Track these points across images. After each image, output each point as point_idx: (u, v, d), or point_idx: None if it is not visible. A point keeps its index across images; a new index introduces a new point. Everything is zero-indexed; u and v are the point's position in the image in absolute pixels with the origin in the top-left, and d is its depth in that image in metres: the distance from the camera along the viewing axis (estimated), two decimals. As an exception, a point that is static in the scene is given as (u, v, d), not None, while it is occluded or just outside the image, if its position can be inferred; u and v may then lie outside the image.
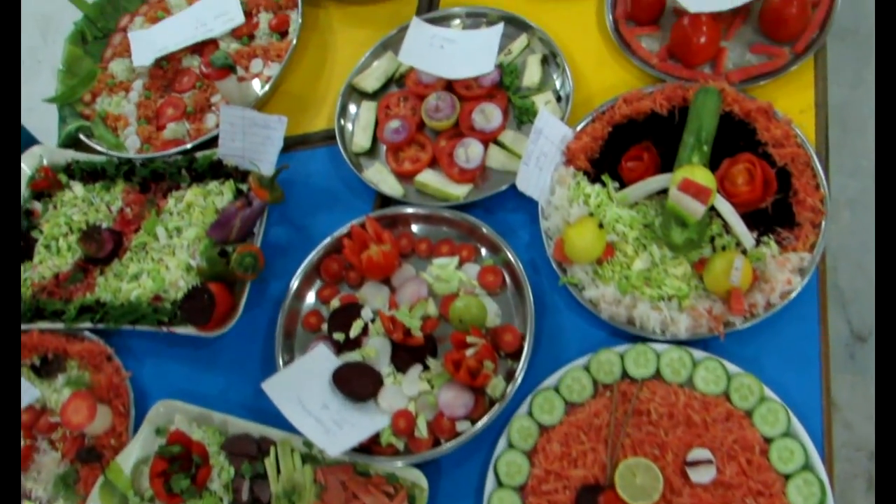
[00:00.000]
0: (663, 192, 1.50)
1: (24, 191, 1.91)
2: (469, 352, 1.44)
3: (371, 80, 1.83)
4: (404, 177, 1.71)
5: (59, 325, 1.70)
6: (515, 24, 1.82)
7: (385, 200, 1.71)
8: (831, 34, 1.62)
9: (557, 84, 1.74)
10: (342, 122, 1.81)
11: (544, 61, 1.78)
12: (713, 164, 1.50)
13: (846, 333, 2.39)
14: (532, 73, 1.75)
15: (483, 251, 1.61)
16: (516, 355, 1.47)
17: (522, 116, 1.71)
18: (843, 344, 2.37)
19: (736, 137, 1.54)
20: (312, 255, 1.65)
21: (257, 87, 1.89)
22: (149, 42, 2.03)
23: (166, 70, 2.01)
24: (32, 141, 2.28)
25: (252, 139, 1.76)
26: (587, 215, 1.51)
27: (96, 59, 2.11)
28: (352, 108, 1.85)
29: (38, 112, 2.22)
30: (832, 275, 2.32)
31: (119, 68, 2.05)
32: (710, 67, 1.67)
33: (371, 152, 1.78)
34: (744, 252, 1.43)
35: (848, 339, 2.40)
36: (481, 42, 1.77)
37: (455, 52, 1.77)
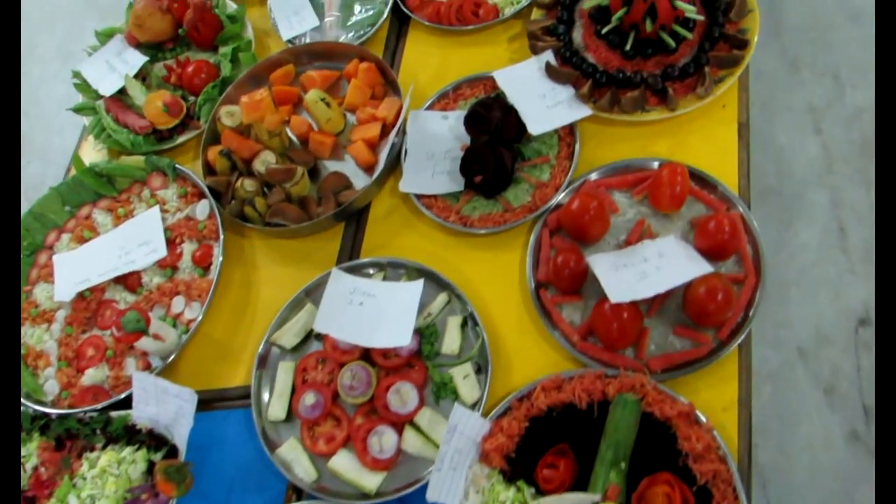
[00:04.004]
0: None
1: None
2: None
3: (290, 336, 1.57)
4: (319, 455, 1.44)
5: None
6: (435, 280, 1.54)
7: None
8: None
9: (477, 351, 1.46)
10: (258, 387, 1.54)
11: (464, 324, 1.50)
12: (631, 477, 1.25)
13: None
14: (451, 340, 1.50)
15: (396, 555, 1.35)
16: None
17: (440, 392, 1.45)
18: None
19: (656, 444, 1.30)
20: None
21: (174, 336, 1.60)
22: (72, 270, 1.76)
23: (89, 301, 1.74)
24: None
25: (165, 407, 1.50)
26: (500, 541, 1.25)
27: (22, 280, 1.81)
28: (270, 366, 1.57)
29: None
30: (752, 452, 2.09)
31: (43, 296, 1.78)
32: (632, 348, 1.40)
33: (289, 417, 1.50)
34: None
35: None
36: (400, 303, 1.51)
37: (374, 311, 1.52)
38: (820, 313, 2.31)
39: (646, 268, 1.42)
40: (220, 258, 1.67)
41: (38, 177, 3.55)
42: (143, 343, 1.56)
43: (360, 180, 1.74)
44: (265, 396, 1.54)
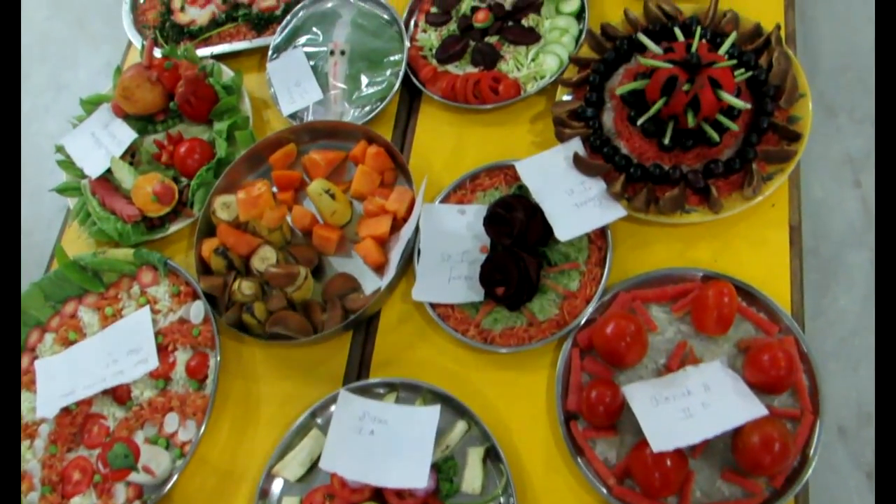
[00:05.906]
0: None
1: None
2: None
3: (294, 466, 1.44)
4: None
5: None
6: (453, 405, 1.40)
7: None
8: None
9: (500, 487, 1.32)
10: (260, 526, 1.40)
11: (486, 455, 1.36)
12: None
13: None
14: (473, 476, 1.37)
15: None
16: None
17: (461, 539, 1.31)
18: None
19: None
20: None
21: (168, 463, 1.46)
22: (56, 378, 1.62)
23: (75, 415, 1.61)
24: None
25: (158, 551, 1.35)
26: None
27: (3, 385, 1.67)
28: (272, 499, 1.43)
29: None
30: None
31: (25, 406, 1.65)
32: (675, 497, 1.26)
33: (294, 561, 1.37)
34: None
35: None
36: (415, 433, 1.38)
37: (387, 442, 1.38)
38: (861, 388, 2.16)
39: (690, 403, 1.28)
40: (217, 369, 1.53)
41: (28, 224, 3.38)
42: (134, 478, 1.42)
43: (368, 281, 1.59)
44: (268, 537, 1.41)
